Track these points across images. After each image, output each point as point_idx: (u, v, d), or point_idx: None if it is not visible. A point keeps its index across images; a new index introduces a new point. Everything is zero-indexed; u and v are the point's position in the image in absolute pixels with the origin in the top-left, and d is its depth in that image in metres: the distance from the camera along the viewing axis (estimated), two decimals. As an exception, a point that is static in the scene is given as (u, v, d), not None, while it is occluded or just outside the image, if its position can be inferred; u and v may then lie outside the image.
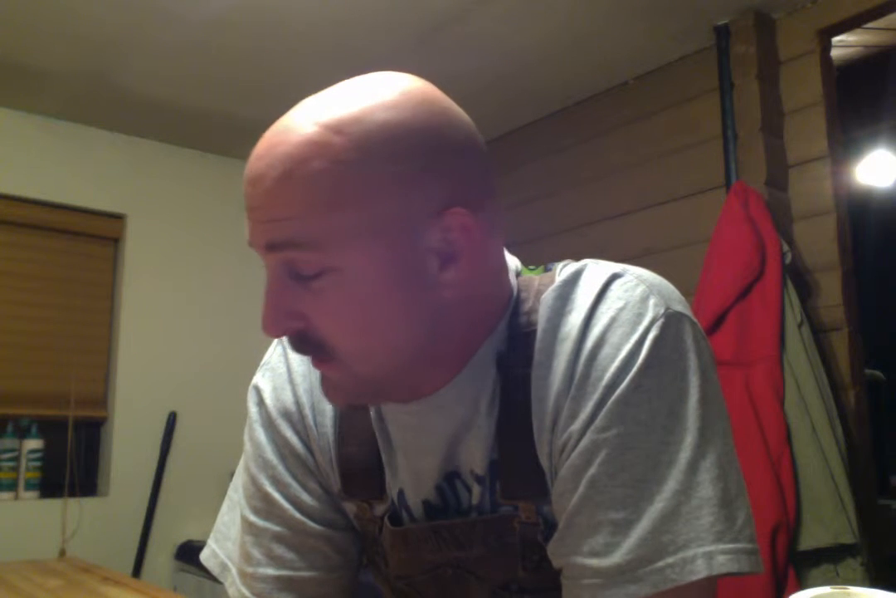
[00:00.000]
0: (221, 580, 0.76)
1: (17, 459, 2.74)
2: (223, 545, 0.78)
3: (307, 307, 0.60)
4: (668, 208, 2.47)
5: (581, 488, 0.60)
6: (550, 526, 0.65)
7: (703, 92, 2.39)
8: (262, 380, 0.77)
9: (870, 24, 2.24)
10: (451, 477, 0.68)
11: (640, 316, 0.61)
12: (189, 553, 2.90)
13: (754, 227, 2.00)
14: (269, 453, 0.74)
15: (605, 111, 2.72)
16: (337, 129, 0.58)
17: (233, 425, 3.07)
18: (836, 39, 2.25)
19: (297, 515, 0.72)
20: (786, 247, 2.02)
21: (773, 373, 1.87)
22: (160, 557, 2.92)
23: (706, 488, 0.58)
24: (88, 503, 2.81)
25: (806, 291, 2.08)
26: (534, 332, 0.65)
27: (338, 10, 2.21)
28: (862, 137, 3.24)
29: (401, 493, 0.71)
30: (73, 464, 2.82)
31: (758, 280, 1.96)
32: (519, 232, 2.91)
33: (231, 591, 0.74)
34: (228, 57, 2.48)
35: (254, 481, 0.74)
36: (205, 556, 0.79)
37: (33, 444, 2.76)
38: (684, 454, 0.58)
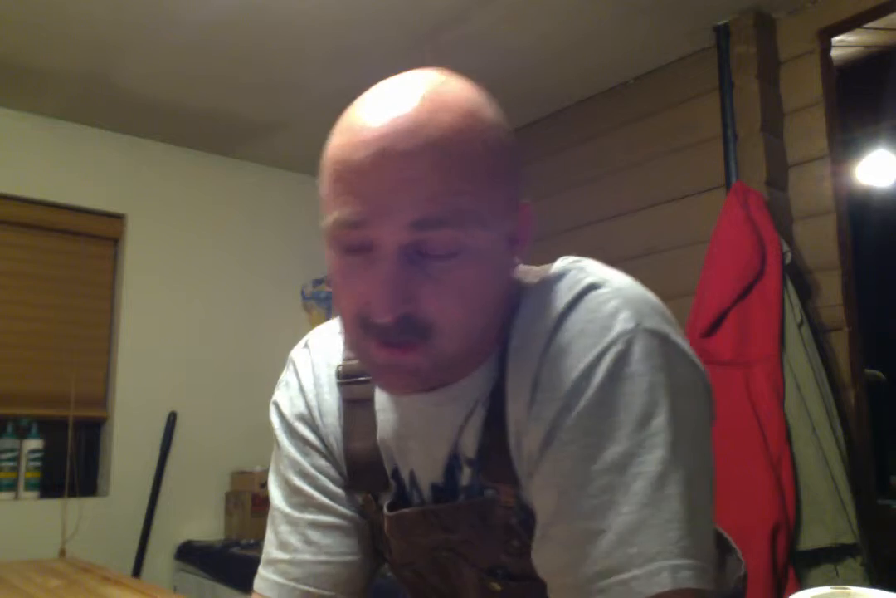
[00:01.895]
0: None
1: (17, 459, 2.73)
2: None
3: (422, 288, 0.60)
4: (668, 208, 2.47)
5: (551, 499, 0.62)
6: (525, 511, 0.67)
7: (703, 92, 2.39)
8: (279, 395, 0.84)
9: (870, 24, 2.25)
10: (454, 460, 0.72)
11: (606, 329, 0.62)
12: (189, 553, 2.90)
13: (754, 227, 2.00)
14: (294, 453, 0.79)
15: (605, 111, 2.72)
16: (475, 114, 0.62)
17: (233, 425, 3.08)
18: (836, 39, 2.25)
19: (328, 501, 0.77)
20: (786, 247, 2.02)
21: (773, 373, 1.87)
22: (160, 557, 2.92)
23: (673, 503, 0.58)
24: (88, 503, 2.81)
25: (806, 291, 2.08)
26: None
27: (338, 11, 2.21)
28: (862, 137, 3.24)
29: (412, 475, 0.75)
30: (73, 464, 2.82)
31: (758, 280, 1.96)
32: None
33: (258, 584, 0.78)
34: (228, 57, 2.48)
35: (286, 479, 0.80)
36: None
37: (33, 444, 2.76)
38: (653, 468, 0.58)
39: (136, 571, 2.85)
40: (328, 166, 0.63)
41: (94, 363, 2.97)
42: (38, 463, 2.76)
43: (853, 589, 0.61)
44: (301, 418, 0.80)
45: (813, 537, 1.77)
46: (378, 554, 0.82)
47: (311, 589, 0.75)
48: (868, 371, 2.22)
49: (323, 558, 0.76)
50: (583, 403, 0.61)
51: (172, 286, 3.11)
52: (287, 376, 0.84)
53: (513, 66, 2.55)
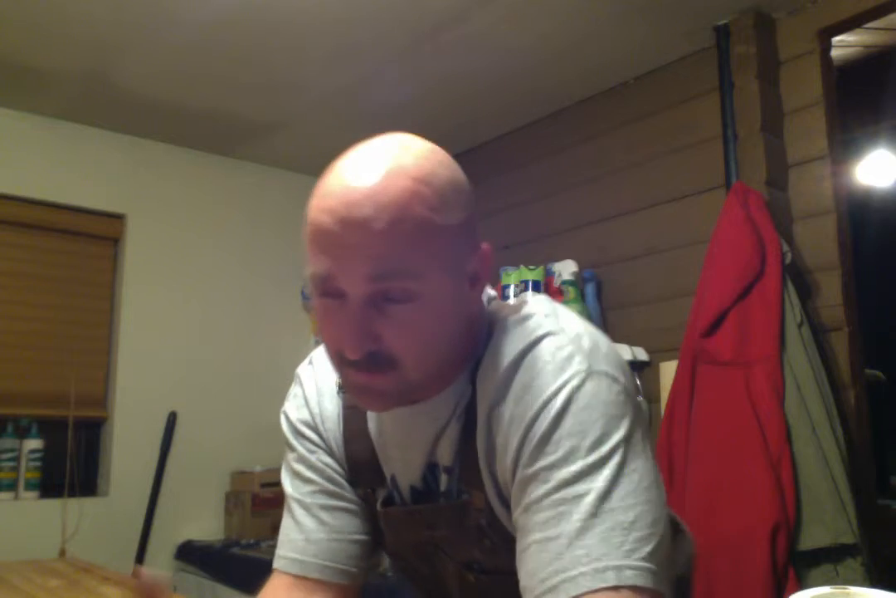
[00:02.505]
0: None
1: (17, 459, 2.74)
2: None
3: (385, 329, 0.72)
4: (668, 208, 2.47)
5: (518, 516, 0.72)
6: (492, 515, 0.78)
7: (703, 92, 2.39)
8: (287, 405, 0.97)
9: (870, 24, 2.25)
10: (432, 468, 0.83)
11: (562, 370, 0.72)
12: (189, 553, 2.90)
13: (754, 227, 2.00)
14: (303, 451, 0.92)
15: (605, 111, 2.72)
16: (424, 182, 0.72)
17: (233, 425, 3.08)
18: (836, 39, 2.25)
19: (336, 489, 0.90)
20: (786, 247, 2.02)
21: (773, 373, 1.87)
22: (160, 557, 2.92)
23: (619, 514, 0.67)
24: (88, 502, 2.81)
25: (806, 291, 2.08)
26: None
27: (338, 9, 2.21)
28: (862, 137, 3.24)
29: (393, 478, 0.87)
30: (73, 464, 2.82)
31: (758, 280, 1.96)
32: (519, 232, 2.91)
33: (278, 563, 0.90)
34: (228, 57, 2.48)
35: (297, 472, 0.92)
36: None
37: (33, 444, 2.76)
38: (601, 485, 0.68)
39: (136, 571, 2.85)
40: (307, 224, 0.74)
41: (94, 363, 2.97)
42: (38, 463, 2.76)
43: (853, 589, 0.61)
44: (306, 423, 0.92)
45: (813, 537, 1.77)
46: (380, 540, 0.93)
47: (327, 563, 0.88)
48: (868, 371, 2.22)
49: (335, 536, 0.89)
50: (542, 431, 0.70)
51: (172, 286, 3.11)
52: (294, 389, 0.97)
53: (513, 66, 2.55)
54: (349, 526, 0.90)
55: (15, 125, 2.83)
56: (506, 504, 0.76)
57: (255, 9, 2.20)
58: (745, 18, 2.23)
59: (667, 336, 2.35)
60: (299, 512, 0.91)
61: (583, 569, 0.64)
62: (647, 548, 0.66)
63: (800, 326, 1.94)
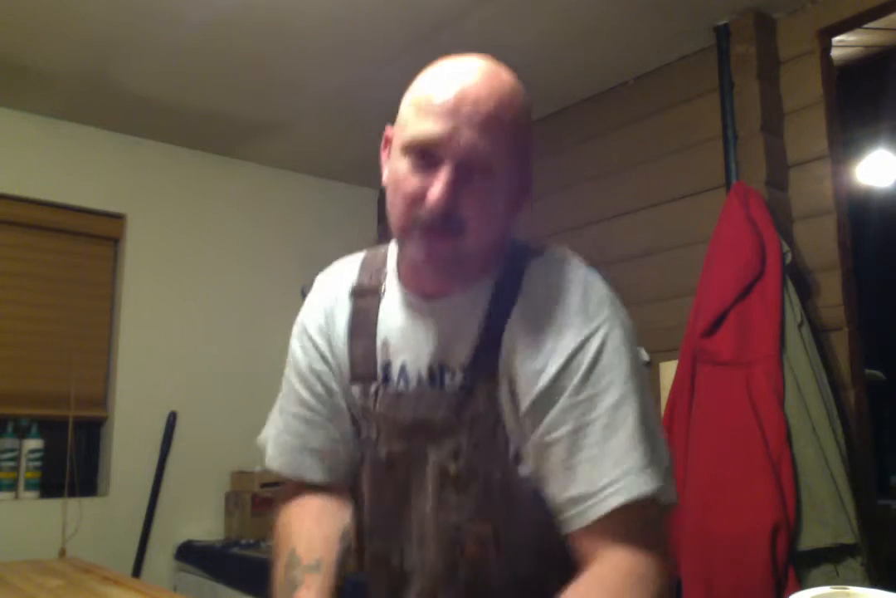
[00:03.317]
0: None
1: (17, 459, 2.74)
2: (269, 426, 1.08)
3: (465, 197, 0.83)
4: (668, 208, 2.47)
5: (563, 431, 0.83)
6: (493, 406, 0.89)
7: (703, 92, 2.39)
8: (304, 312, 1.07)
9: (870, 24, 2.25)
10: (442, 367, 0.92)
11: (596, 314, 0.86)
12: (189, 553, 2.90)
13: (754, 227, 2.00)
14: (298, 355, 1.03)
15: (605, 111, 2.72)
16: (518, 87, 0.89)
17: (233, 425, 3.09)
18: (836, 39, 2.25)
19: (311, 399, 1.01)
20: (786, 247, 2.02)
21: (773, 373, 1.87)
22: (160, 557, 2.92)
23: (656, 435, 0.84)
24: (88, 502, 2.81)
25: (806, 291, 2.08)
26: (520, 282, 0.90)
27: (337, 10, 2.21)
28: (862, 137, 3.24)
29: (403, 367, 0.95)
30: (73, 464, 2.82)
31: (758, 280, 1.96)
32: (519, 232, 2.90)
33: (266, 460, 1.04)
34: (228, 57, 2.48)
35: (288, 379, 1.04)
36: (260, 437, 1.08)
37: (33, 444, 2.76)
38: (637, 410, 0.83)
39: (136, 571, 2.85)
40: (415, 98, 0.87)
41: (94, 363, 2.97)
42: (38, 463, 2.76)
43: (853, 589, 0.61)
44: (318, 327, 1.02)
45: (813, 537, 1.77)
46: (357, 441, 1.02)
47: (285, 458, 1.02)
48: (868, 371, 2.22)
49: (297, 442, 1.01)
50: (584, 367, 0.83)
51: (172, 286, 3.11)
52: (311, 296, 1.07)
53: (512, 66, 2.53)
54: (310, 434, 1.00)
55: (15, 125, 2.83)
56: (515, 402, 0.88)
57: (255, 9, 2.20)
58: (745, 18, 2.23)
59: (667, 336, 2.35)
60: (280, 417, 1.04)
61: (631, 477, 0.79)
62: (667, 464, 0.83)
63: (800, 326, 1.94)
